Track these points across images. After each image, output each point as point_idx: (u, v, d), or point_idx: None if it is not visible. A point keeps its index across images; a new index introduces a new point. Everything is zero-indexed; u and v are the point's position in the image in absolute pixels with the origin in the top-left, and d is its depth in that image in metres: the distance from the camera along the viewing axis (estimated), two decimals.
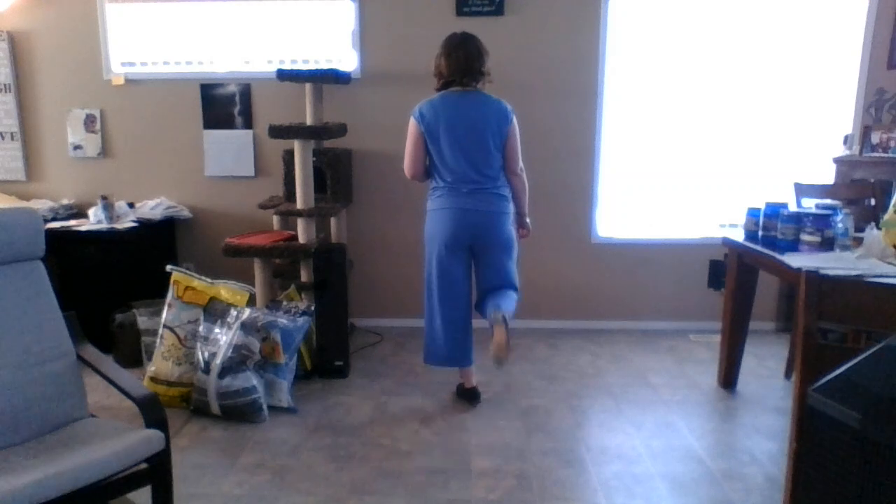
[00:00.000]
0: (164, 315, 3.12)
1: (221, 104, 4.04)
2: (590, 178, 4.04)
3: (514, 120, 2.89)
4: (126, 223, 3.77)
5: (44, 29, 4.00)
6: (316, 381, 3.36)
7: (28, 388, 2.05)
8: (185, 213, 4.10)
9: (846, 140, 3.88)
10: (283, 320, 3.08)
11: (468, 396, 3.10)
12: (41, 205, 3.96)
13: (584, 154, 4.02)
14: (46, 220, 3.75)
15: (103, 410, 2.96)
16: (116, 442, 1.87)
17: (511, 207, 2.96)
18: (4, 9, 3.97)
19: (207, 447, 2.70)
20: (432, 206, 2.96)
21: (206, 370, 2.91)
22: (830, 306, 2.23)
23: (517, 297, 3.05)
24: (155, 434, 1.91)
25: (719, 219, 4.08)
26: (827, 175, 3.93)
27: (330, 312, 3.37)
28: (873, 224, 2.61)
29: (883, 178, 3.53)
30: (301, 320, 3.17)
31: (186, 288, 3.12)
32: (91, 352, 2.23)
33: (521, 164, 2.95)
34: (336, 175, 3.80)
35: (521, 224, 3.09)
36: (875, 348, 1.55)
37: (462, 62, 2.82)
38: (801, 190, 3.46)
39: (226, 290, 3.15)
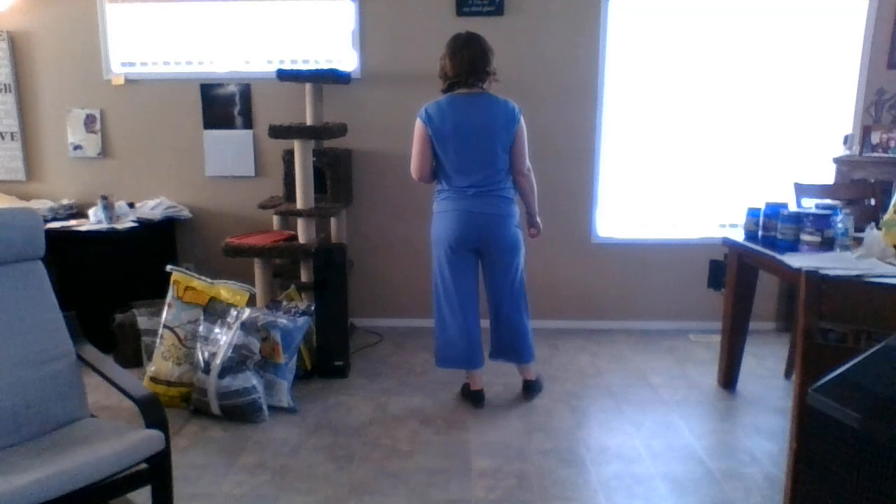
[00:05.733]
0: (164, 315, 3.12)
1: (221, 104, 4.04)
2: (590, 178, 4.04)
3: (522, 120, 2.88)
4: (126, 223, 3.76)
5: (44, 29, 4.00)
6: (316, 381, 3.36)
7: (28, 388, 2.05)
8: (185, 213, 4.10)
9: (846, 140, 3.88)
10: (283, 320, 3.08)
11: (473, 398, 3.09)
12: (41, 205, 3.96)
13: (585, 154, 4.02)
14: (46, 220, 3.75)
15: (103, 410, 2.96)
16: (116, 442, 1.88)
17: (516, 209, 2.95)
18: (4, 9, 3.97)
19: (207, 447, 2.70)
20: (438, 208, 2.95)
21: (206, 370, 2.91)
22: (830, 306, 2.23)
23: (527, 311, 3.07)
24: (155, 434, 1.91)
25: (719, 219, 4.08)
26: (827, 175, 3.93)
27: (330, 312, 3.36)
28: (873, 224, 2.61)
29: (883, 178, 3.53)
30: (301, 320, 3.17)
31: (186, 288, 3.12)
32: (91, 352, 2.23)
33: (528, 163, 2.95)
34: (336, 175, 3.80)
35: (531, 223, 3.10)
36: (875, 348, 1.55)
37: (467, 63, 2.80)
38: (801, 190, 3.46)
39: (226, 290, 3.14)
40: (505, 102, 2.85)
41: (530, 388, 3.14)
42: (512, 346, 3.07)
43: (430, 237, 3.01)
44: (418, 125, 2.86)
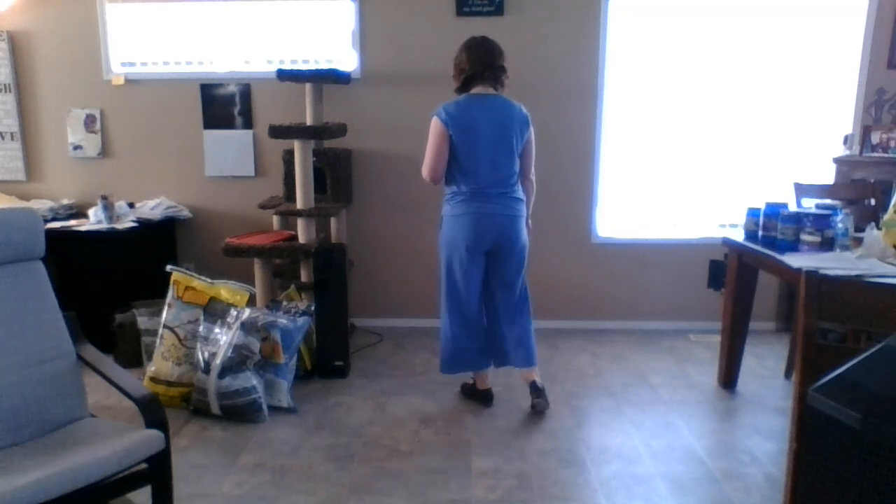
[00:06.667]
0: (164, 315, 3.12)
1: (221, 104, 4.04)
2: (590, 178, 4.04)
3: (531, 125, 2.92)
4: (126, 223, 3.76)
5: (44, 29, 4.00)
6: (316, 381, 3.36)
7: (28, 388, 2.05)
8: (185, 213, 4.10)
9: (846, 140, 3.88)
10: (283, 320, 3.08)
11: (483, 397, 3.09)
12: (41, 205, 3.96)
13: (585, 154, 4.02)
14: (46, 220, 3.75)
15: (103, 410, 2.97)
16: (116, 442, 1.87)
17: (525, 209, 2.97)
18: (4, 9, 3.97)
19: (207, 447, 2.70)
20: (454, 211, 2.88)
21: (206, 370, 2.91)
22: (830, 306, 2.23)
23: (529, 306, 3.05)
24: (155, 434, 1.91)
25: (719, 219, 4.08)
26: (827, 175, 3.93)
27: (330, 312, 3.36)
28: (873, 224, 2.61)
29: (883, 178, 3.53)
30: (301, 320, 3.17)
31: (186, 288, 3.12)
32: (91, 352, 2.23)
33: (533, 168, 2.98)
34: (336, 175, 3.80)
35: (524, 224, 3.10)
36: (875, 348, 1.55)
37: (483, 55, 2.82)
38: (801, 190, 3.46)
39: (226, 290, 3.14)
40: (519, 106, 2.88)
41: (539, 390, 2.98)
42: (517, 348, 3.02)
43: (441, 240, 2.97)
44: (436, 125, 2.81)
